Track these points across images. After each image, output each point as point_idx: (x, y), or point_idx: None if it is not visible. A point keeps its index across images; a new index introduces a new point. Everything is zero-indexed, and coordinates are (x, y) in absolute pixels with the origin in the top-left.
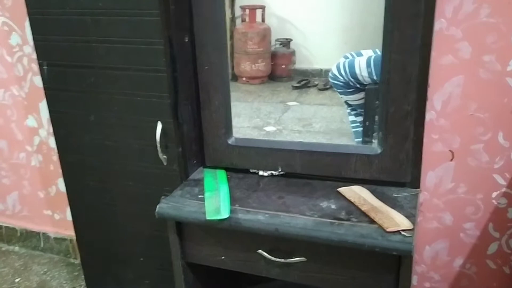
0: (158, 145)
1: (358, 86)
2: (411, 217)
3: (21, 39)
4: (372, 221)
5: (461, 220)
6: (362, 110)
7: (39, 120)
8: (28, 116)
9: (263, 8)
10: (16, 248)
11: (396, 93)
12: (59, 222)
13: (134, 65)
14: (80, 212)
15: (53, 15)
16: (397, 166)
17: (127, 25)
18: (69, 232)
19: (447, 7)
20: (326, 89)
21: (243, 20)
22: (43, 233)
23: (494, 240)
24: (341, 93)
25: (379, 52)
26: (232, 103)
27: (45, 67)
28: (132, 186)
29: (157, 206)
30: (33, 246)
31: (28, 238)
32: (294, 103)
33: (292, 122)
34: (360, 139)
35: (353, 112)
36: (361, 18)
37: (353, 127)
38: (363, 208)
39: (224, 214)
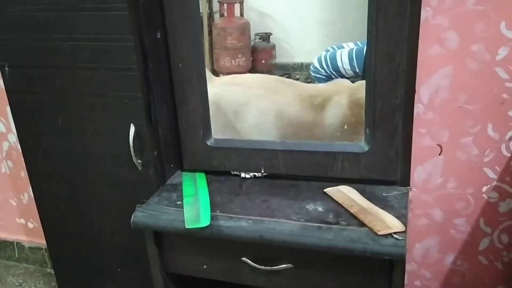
0: (132, 149)
1: (340, 79)
2: (402, 218)
3: None
4: (362, 224)
5: (452, 216)
6: None
7: (8, 125)
8: None
9: (241, 2)
10: None
11: (383, 87)
12: (33, 231)
13: (103, 64)
14: (51, 221)
15: (12, 11)
16: (386, 163)
17: (94, 21)
18: (44, 241)
19: None
20: (308, 83)
21: (221, 15)
22: (17, 243)
23: (486, 236)
24: None
25: (360, 45)
26: None
27: (6, 69)
28: (106, 193)
29: (132, 215)
30: (7, 257)
31: (2, 248)
32: None
33: None
34: None
35: None
36: (342, 10)
37: None
38: (352, 210)
39: (204, 222)
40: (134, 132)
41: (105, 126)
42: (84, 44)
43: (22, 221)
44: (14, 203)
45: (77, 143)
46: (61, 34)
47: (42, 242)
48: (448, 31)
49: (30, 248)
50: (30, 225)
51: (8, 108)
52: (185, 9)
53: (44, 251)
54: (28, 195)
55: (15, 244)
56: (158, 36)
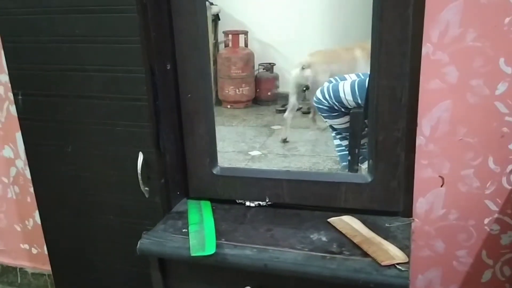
0: (140, 176)
1: (342, 110)
2: (405, 248)
3: None
4: (365, 254)
5: (454, 248)
6: (347, 133)
7: (16, 151)
8: (4, 146)
9: (245, 33)
10: None
11: (385, 120)
12: (36, 257)
13: (113, 94)
14: (57, 247)
15: (27, 43)
16: (388, 194)
17: (106, 53)
18: (47, 267)
19: (432, 32)
20: (310, 112)
21: (226, 45)
22: (20, 268)
23: (488, 268)
24: (325, 117)
25: (362, 76)
26: (216, 128)
27: (19, 97)
28: (112, 220)
29: (139, 242)
30: (9, 282)
31: (5, 273)
32: (279, 127)
33: (277, 146)
34: (346, 163)
35: (338, 136)
36: (344, 41)
37: (339, 151)
38: (356, 240)
39: (210, 250)
40: (142, 160)
41: (114, 153)
42: (95, 75)
43: (26, 246)
44: (18, 229)
45: (85, 169)
46: (73, 64)
47: (45, 268)
48: (448, 66)
49: (33, 274)
50: (34, 251)
51: (17, 134)
52: (194, 41)
53: (47, 277)
54: (33, 220)
55: (18, 269)
56: (168, 68)
